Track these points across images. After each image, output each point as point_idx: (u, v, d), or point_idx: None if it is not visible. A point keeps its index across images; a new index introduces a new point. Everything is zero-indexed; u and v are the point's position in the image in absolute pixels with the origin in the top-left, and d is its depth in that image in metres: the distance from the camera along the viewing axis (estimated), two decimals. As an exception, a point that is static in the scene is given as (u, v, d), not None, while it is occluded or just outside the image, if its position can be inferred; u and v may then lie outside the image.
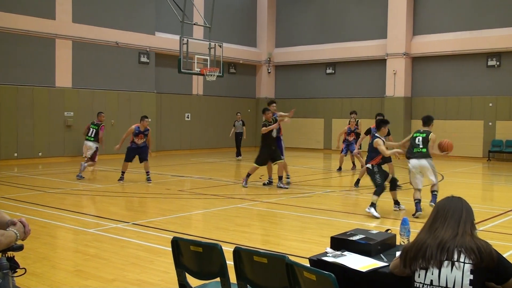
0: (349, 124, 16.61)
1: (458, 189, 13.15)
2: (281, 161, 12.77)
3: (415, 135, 9.66)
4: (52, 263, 6.28)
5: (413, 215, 9.27)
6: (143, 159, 13.92)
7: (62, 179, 14.28)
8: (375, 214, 9.39)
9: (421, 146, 9.48)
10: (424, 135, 9.54)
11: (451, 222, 2.87)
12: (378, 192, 9.63)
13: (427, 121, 9.80)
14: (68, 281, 5.57)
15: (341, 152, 16.52)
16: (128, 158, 14.02)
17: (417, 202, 9.44)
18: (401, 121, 22.52)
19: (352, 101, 24.38)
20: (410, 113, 23.00)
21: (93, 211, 9.50)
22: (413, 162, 9.51)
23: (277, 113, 13.36)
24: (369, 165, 9.83)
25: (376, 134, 9.82)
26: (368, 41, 24.14)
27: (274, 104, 13.56)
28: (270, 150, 12.79)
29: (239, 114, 21.91)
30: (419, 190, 9.54)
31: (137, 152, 13.96)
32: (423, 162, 9.46)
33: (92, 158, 15.04)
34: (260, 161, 12.92)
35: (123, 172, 13.98)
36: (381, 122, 9.95)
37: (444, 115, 22.05)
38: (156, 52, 22.23)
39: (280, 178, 12.96)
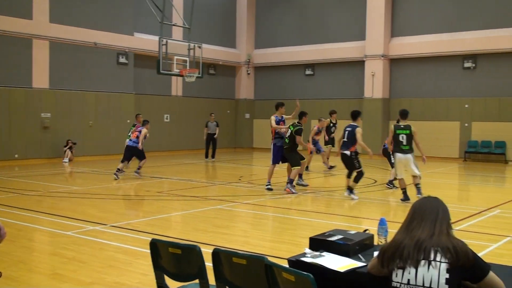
0: (318, 123, 16.67)
1: (434, 189, 13.31)
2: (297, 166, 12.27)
3: (398, 131, 10.64)
4: (29, 267, 6.20)
5: (403, 200, 10.69)
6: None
7: (39, 181, 14.10)
8: (355, 197, 11.06)
9: (404, 143, 10.59)
10: (407, 131, 10.60)
11: (427, 222, 2.91)
12: (358, 178, 11.12)
13: (406, 114, 10.91)
14: (45, 284, 5.50)
15: (309, 153, 16.14)
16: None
17: (405, 190, 10.73)
18: (379, 122, 22.74)
19: (331, 102, 24.49)
20: (388, 114, 23.22)
21: (70, 214, 9.40)
22: (400, 156, 10.65)
23: (284, 116, 13.00)
24: (347, 152, 11.16)
25: (355, 124, 11.31)
26: (346, 43, 24.31)
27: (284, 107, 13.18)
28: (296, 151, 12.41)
29: (213, 115, 21.48)
30: (403, 179, 10.81)
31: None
32: (408, 156, 10.64)
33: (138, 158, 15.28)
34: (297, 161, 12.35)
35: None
36: (358, 113, 11.57)
37: (421, 116, 22.31)
38: (135, 53, 22.09)
39: (300, 175, 12.91)
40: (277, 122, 12.60)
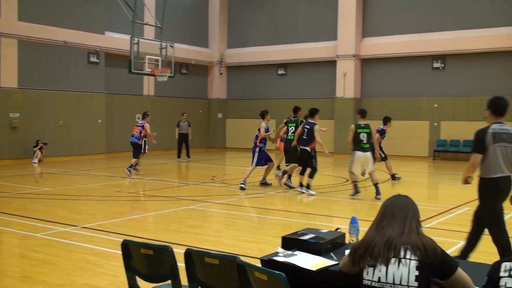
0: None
1: (405, 187, 13.51)
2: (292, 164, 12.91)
3: (358, 130, 11.20)
4: (-3, 269, 6.08)
5: (352, 195, 11.30)
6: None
7: (8, 182, 13.83)
8: (313, 192, 11.69)
9: (365, 142, 11.18)
10: (368, 130, 11.22)
11: (397, 221, 2.95)
12: (313, 174, 11.85)
13: (365, 113, 11.60)
14: (14, 287, 5.40)
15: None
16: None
17: (356, 183, 11.44)
18: (351, 122, 22.88)
19: (304, 102, 24.58)
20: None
21: (40, 215, 9.25)
22: (360, 154, 11.18)
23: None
24: (308, 148, 11.85)
25: (313, 121, 12.00)
26: (318, 43, 24.47)
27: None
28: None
29: (185, 114, 21.57)
30: (355, 175, 11.50)
31: None
32: (368, 154, 11.28)
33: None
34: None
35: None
36: (316, 111, 12.28)
37: (392, 115, 22.52)
38: (106, 52, 21.83)
39: (289, 176, 13.09)
40: (266, 130, 13.05)
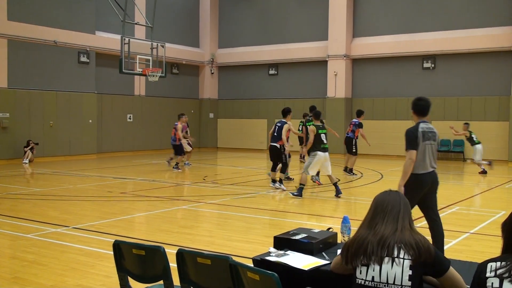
0: None
1: (396, 187, 13.55)
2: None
3: (320, 131, 11.41)
4: (-12, 271, 6.05)
5: (294, 194, 11.34)
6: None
7: (-2, 183, 13.74)
8: (283, 187, 12.30)
9: (325, 142, 11.42)
10: (326, 131, 11.59)
11: (390, 218, 2.93)
12: (285, 169, 12.77)
13: (320, 114, 11.90)
14: (5, 288, 5.38)
15: None
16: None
17: (303, 187, 11.40)
18: (342, 122, 22.99)
19: (295, 102, 24.67)
20: (351, 113, 23.49)
21: (31, 216, 9.20)
22: (322, 154, 11.35)
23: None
24: (277, 145, 12.52)
25: (284, 120, 12.64)
26: (309, 43, 24.52)
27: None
28: None
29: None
30: (307, 176, 11.61)
31: None
32: (327, 155, 11.46)
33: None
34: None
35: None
36: (288, 111, 12.78)
37: (383, 115, 22.72)
38: (96, 52, 21.74)
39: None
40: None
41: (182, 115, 17.31)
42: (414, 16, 22.18)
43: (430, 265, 2.83)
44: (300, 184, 11.40)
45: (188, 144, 17.55)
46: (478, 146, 16.55)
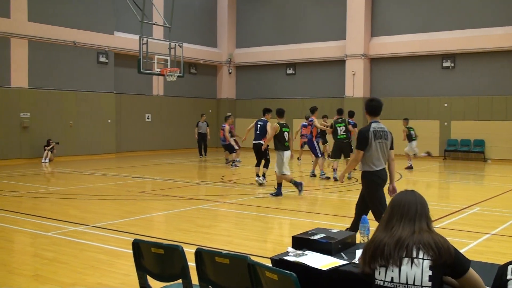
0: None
1: (415, 187, 13.45)
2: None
3: (284, 130, 11.57)
4: (9, 268, 6.13)
5: (273, 194, 11.45)
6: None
7: (19, 181, 13.92)
8: (264, 181, 13.07)
9: (287, 140, 11.62)
10: (288, 129, 11.75)
11: (406, 220, 2.89)
12: (267, 165, 13.33)
13: (283, 113, 12.04)
14: (26, 286, 5.44)
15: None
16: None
17: (281, 184, 11.55)
18: (361, 122, 22.84)
19: (313, 101, 24.59)
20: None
21: (51, 214, 9.30)
22: (287, 153, 11.55)
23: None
24: (261, 142, 13.09)
25: (265, 119, 13.33)
26: (327, 42, 24.43)
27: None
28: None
29: (204, 115, 22.27)
30: (287, 175, 11.60)
31: None
32: (289, 152, 11.72)
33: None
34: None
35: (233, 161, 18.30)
36: (267, 110, 13.44)
37: (401, 115, 22.50)
38: (115, 52, 21.92)
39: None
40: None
41: (228, 117, 18.71)
42: (433, 15, 21.97)
43: (450, 266, 2.79)
44: (278, 183, 11.52)
45: (235, 142, 18.63)
46: (414, 143, 17.63)
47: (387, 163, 6.29)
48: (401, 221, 2.90)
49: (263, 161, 13.50)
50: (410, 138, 17.58)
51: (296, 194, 11.50)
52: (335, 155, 14.74)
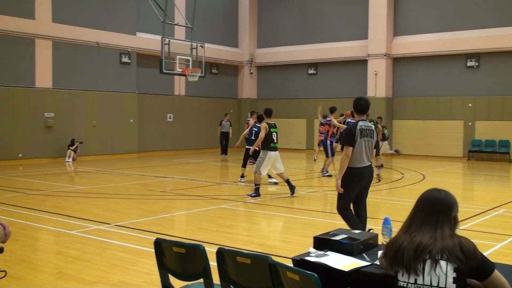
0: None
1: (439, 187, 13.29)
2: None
3: (272, 130, 11.50)
4: (33, 266, 6.22)
5: (251, 195, 11.21)
6: None
7: (43, 180, 14.13)
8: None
9: (276, 141, 11.52)
10: (277, 130, 11.65)
11: (428, 223, 2.82)
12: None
13: (271, 113, 11.95)
14: (50, 283, 5.51)
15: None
16: None
17: (259, 186, 11.41)
18: (383, 121, 22.68)
19: (334, 101, 24.44)
20: (391, 113, 23.20)
21: (74, 213, 9.42)
22: (272, 153, 11.46)
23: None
24: (256, 148, 12.54)
25: (258, 125, 12.83)
26: (349, 42, 24.29)
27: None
28: None
29: (227, 115, 22.70)
30: (261, 176, 11.51)
31: None
32: (278, 153, 11.58)
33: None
34: None
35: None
36: (263, 117, 12.51)
37: (424, 115, 22.31)
38: (137, 53, 22.11)
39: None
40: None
41: (253, 112, 18.19)
42: (456, 13, 21.69)
43: (475, 268, 2.75)
44: (255, 184, 11.42)
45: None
46: (386, 142, 17.98)
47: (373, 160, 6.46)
48: (421, 227, 2.85)
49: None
50: (384, 137, 17.70)
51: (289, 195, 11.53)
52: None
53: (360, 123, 6.39)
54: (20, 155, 18.63)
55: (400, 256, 2.82)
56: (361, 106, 6.49)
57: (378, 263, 3.22)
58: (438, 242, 2.77)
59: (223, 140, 22.04)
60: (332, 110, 15.30)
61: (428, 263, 2.76)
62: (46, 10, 19.12)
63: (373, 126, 6.55)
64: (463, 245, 2.76)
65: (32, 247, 7.23)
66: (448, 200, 2.93)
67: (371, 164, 6.49)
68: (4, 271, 3.02)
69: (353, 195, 6.49)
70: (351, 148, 6.28)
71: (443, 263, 2.74)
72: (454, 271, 2.72)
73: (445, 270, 2.73)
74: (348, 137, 6.36)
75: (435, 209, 2.88)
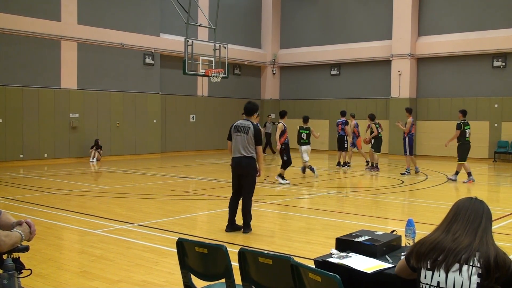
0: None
1: (465, 190, 13.12)
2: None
3: (301, 131, 15.09)
4: (58, 264, 6.30)
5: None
6: None
7: (68, 180, 14.33)
8: (282, 181, 13.69)
9: (305, 139, 15.05)
10: (308, 131, 15.08)
11: (470, 229, 2.80)
12: (285, 166, 13.98)
13: (307, 119, 15.35)
14: (74, 282, 5.58)
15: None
16: None
17: (311, 166, 14.90)
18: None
19: (357, 102, 24.35)
20: (415, 114, 22.93)
21: (98, 212, 9.52)
22: (304, 147, 15.09)
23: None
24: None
25: (281, 121, 14.14)
26: (372, 42, 24.11)
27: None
28: None
29: (270, 115, 24.24)
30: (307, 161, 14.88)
31: None
32: (309, 147, 15.18)
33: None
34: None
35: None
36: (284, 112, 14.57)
37: (449, 116, 22.00)
38: (161, 54, 22.27)
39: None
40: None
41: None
42: (482, 12, 21.36)
43: (503, 277, 2.69)
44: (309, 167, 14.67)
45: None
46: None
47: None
48: (465, 229, 2.81)
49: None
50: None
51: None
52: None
53: (239, 121, 8.12)
54: (45, 155, 18.92)
55: (434, 254, 2.78)
56: (245, 108, 8.13)
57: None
58: (474, 245, 2.74)
59: (267, 141, 23.16)
60: (410, 110, 16.46)
61: (455, 266, 2.72)
62: (72, 12, 19.39)
63: (250, 123, 7.94)
64: (496, 255, 2.70)
65: (57, 246, 7.33)
66: (489, 209, 2.94)
67: (243, 156, 7.89)
68: (29, 269, 3.07)
69: (234, 182, 8.19)
70: (229, 142, 8.22)
71: (470, 268, 2.69)
72: (478, 276, 2.67)
73: (470, 275, 2.68)
74: (229, 133, 8.26)
75: (479, 215, 2.87)
